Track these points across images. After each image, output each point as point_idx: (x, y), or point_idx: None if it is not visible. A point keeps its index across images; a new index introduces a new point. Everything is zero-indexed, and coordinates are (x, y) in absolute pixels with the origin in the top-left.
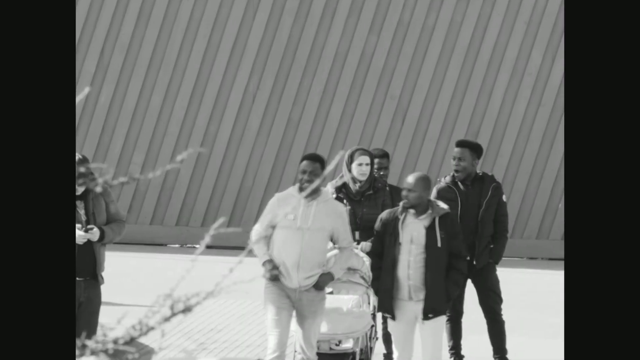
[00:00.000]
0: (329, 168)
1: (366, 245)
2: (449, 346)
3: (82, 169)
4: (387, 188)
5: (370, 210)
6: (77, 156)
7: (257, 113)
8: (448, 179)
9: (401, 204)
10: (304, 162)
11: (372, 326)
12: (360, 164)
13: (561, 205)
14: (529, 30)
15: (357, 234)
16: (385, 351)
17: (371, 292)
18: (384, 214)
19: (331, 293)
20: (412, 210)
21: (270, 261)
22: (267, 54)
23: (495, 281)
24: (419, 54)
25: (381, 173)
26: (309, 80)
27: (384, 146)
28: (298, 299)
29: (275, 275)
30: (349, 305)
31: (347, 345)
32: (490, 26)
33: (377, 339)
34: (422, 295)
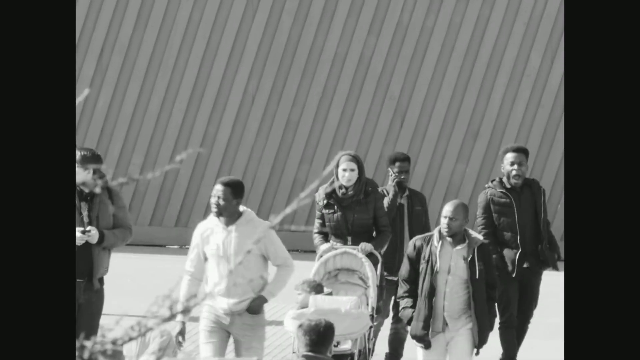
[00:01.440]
0: (326, 171)
1: (366, 246)
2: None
3: (94, 169)
4: (397, 188)
5: (362, 215)
6: (92, 152)
7: (256, 114)
8: (497, 184)
9: (439, 230)
10: (215, 186)
11: (371, 327)
12: (344, 169)
13: (561, 206)
14: (528, 31)
15: (349, 239)
16: (387, 351)
17: (370, 292)
18: (417, 240)
19: (330, 294)
20: (449, 239)
21: (182, 324)
22: (266, 55)
23: (538, 291)
24: (418, 55)
25: (402, 177)
26: (308, 81)
27: (383, 147)
28: (230, 323)
29: (178, 344)
30: (347, 306)
31: (346, 346)
32: (489, 27)
33: (375, 340)
34: (457, 325)
